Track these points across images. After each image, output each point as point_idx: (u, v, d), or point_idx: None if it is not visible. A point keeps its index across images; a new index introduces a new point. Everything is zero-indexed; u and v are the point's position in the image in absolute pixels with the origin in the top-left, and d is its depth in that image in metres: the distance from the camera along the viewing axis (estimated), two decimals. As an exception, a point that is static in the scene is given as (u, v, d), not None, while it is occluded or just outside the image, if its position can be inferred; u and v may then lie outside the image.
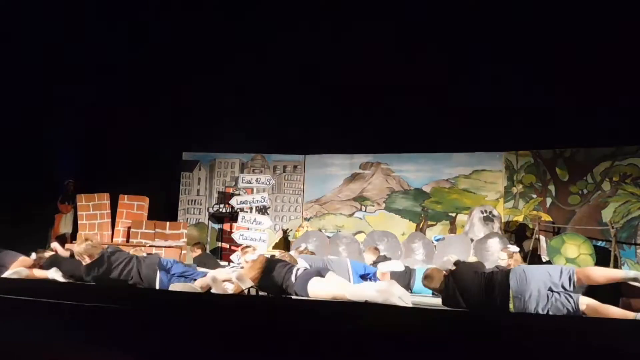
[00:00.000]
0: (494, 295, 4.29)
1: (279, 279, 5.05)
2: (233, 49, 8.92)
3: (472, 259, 6.79)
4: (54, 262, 6.42)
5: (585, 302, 4.06)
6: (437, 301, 5.68)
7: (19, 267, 6.09)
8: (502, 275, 4.37)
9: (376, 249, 7.68)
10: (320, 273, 5.19)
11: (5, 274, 6.01)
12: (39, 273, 6.18)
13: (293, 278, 5.08)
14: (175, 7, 8.37)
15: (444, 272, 4.66)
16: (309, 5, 8.12)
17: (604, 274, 4.32)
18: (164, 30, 8.81)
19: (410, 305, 4.36)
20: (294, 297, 4.96)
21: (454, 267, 4.67)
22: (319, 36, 8.46)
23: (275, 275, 5.06)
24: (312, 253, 7.29)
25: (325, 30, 8.36)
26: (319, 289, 4.92)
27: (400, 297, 4.35)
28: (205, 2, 8.56)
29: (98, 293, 4.56)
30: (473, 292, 4.37)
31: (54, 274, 6.04)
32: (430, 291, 6.62)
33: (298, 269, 5.21)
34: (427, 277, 4.73)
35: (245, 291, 4.68)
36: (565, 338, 2.69)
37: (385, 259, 7.21)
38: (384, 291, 4.46)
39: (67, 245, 7.01)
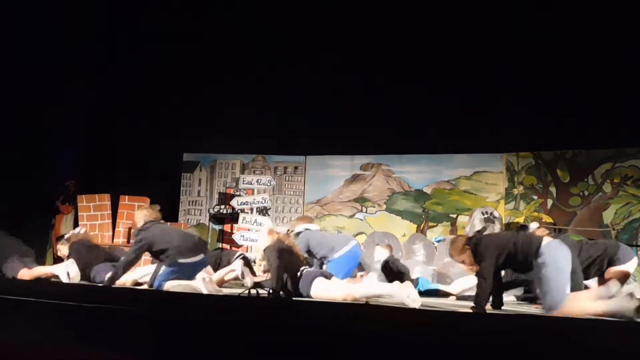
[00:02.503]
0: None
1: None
2: (234, 49, 8.92)
3: None
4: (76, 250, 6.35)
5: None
6: (439, 302, 5.68)
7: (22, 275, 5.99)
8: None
9: (389, 245, 7.64)
10: (325, 274, 5.20)
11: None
12: (44, 270, 6.05)
13: (297, 275, 5.11)
14: (176, 7, 8.37)
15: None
16: (310, 6, 8.12)
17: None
18: (165, 31, 8.81)
19: (418, 307, 4.36)
20: (294, 298, 4.95)
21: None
22: (319, 36, 8.46)
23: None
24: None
25: (326, 30, 8.36)
26: (323, 290, 4.91)
27: (409, 296, 4.36)
28: (206, 2, 8.57)
29: (98, 293, 4.55)
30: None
31: (65, 269, 5.85)
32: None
33: (304, 268, 5.22)
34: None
35: (246, 292, 4.67)
36: (570, 339, 2.68)
37: (395, 261, 7.20)
38: (394, 290, 4.47)
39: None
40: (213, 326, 3.13)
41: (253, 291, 4.63)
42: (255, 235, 9.67)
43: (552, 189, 9.59)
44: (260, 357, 2.94)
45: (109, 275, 5.58)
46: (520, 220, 9.68)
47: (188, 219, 10.99)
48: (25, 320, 3.49)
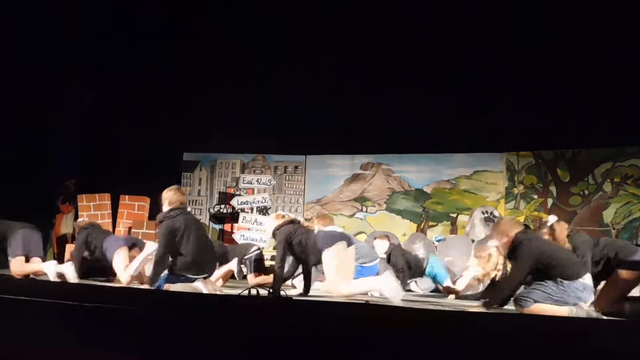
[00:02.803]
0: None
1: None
2: (234, 49, 8.92)
3: (473, 260, 6.78)
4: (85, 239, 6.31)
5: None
6: (438, 302, 5.69)
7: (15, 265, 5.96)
8: None
9: (386, 236, 7.63)
10: (348, 240, 5.27)
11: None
12: (36, 267, 6.01)
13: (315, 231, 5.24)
14: (176, 7, 8.37)
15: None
16: (310, 6, 8.12)
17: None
18: (165, 31, 8.81)
19: (400, 300, 4.49)
20: (295, 298, 4.95)
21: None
22: (319, 36, 8.45)
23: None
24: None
25: (326, 30, 8.36)
26: (335, 260, 4.97)
27: (391, 288, 4.51)
28: (206, 2, 8.56)
29: (98, 293, 4.55)
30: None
31: (54, 268, 5.83)
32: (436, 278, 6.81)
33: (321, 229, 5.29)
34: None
35: (246, 291, 4.66)
36: (568, 339, 2.68)
37: (397, 248, 7.21)
38: (379, 283, 4.61)
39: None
40: (213, 326, 3.13)
41: (253, 291, 4.63)
42: (255, 235, 9.68)
43: (552, 189, 9.59)
44: (260, 357, 2.94)
45: (137, 270, 5.79)
46: (521, 219, 9.68)
47: (188, 219, 10.99)
48: (25, 320, 3.49)
